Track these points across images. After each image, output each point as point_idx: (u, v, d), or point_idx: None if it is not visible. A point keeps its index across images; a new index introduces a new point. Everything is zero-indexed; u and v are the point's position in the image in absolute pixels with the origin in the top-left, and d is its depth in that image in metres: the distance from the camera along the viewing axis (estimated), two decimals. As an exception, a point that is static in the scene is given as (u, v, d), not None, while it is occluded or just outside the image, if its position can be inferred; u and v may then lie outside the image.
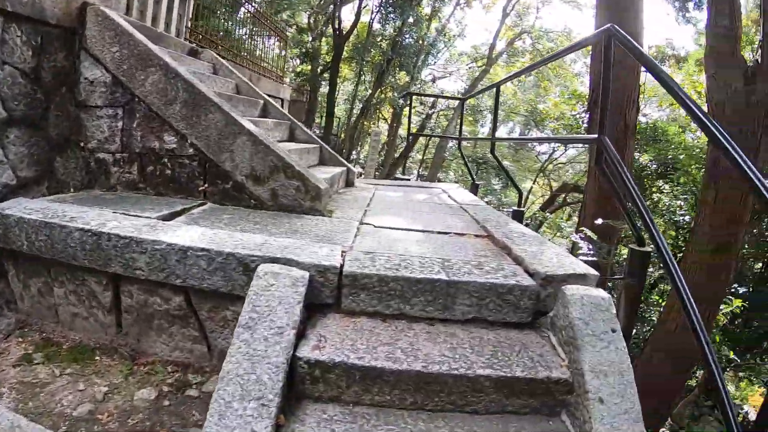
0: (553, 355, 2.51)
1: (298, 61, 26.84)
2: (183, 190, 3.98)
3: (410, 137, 8.53)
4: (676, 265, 2.42)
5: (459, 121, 8.81)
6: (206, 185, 3.99)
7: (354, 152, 23.59)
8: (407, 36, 21.96)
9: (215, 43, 8.82)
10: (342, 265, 2.65)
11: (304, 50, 25.81)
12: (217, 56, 6.79)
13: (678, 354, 7.50)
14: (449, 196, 6.26)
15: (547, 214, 19.34)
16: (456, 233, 3.94)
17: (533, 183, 25.00)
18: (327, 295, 2.64)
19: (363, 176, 15.23)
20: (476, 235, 3.91)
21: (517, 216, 5.88)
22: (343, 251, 2.88)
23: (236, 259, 2.64)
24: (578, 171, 23.93)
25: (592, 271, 2.82)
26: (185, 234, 2.87)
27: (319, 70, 25.22)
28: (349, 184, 6.22)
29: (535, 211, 20.51)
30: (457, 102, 21.93)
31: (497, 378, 2.30)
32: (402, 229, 3.89)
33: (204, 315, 2.81)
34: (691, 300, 2.25)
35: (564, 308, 2.58)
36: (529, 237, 3.70)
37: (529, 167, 30.79)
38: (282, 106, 11.66)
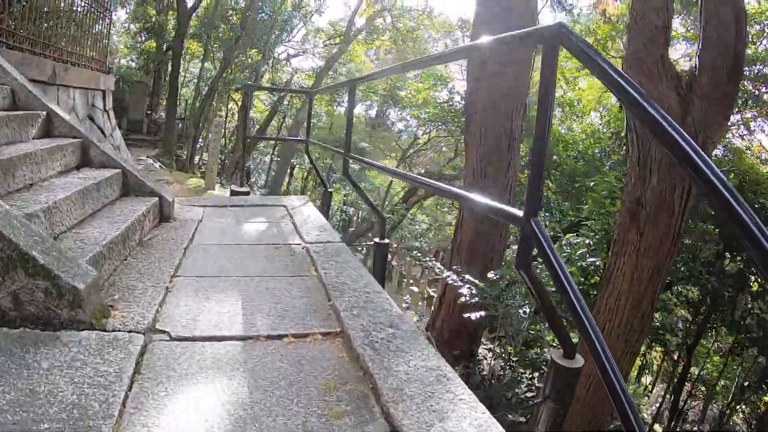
0: None
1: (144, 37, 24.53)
2: None
3: (246, 142, 7.06)
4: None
5: (307, 119, 7.63)
6: None
7: (201, 139, 21.70)
8: (260, 11, 20.28)
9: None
10: None
11: (148, 25, 23.53)
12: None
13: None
14: (294, 225, 5.17)
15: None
16: (294, 335, 2.77)
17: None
18: None
19: (205, 171, 13.69)
20: (324, 334, 2.80)
21: (381, 252, 4.86)
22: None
23: None
24: (439, 151, 23.30)
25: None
26: None
27: (165, 47, 23.06)
28: (164, 218, 4.92)
29: (396, 203, 19.73)
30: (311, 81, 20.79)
31: None
32: (213, 340, 2.69)
33: None
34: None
35: None
36: (403, 338, 2.64)
37: (387, 147, 30.21)
38: (104, 99, 9.94)
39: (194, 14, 20.91)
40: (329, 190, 6.92)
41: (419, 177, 3.21)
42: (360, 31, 25.12)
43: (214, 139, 13.47)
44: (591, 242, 6.82)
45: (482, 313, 6.06)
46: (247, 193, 6.93)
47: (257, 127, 25.98)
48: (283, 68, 25.48)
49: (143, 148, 21.54)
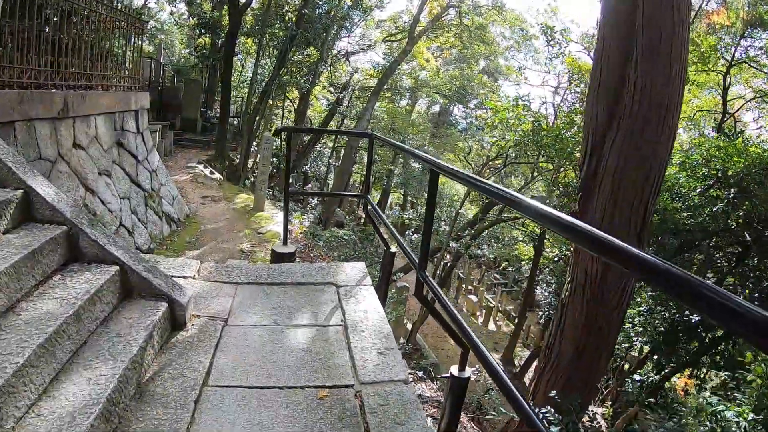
0: None
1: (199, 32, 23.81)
2: None
3: (288, 200, 5.54)
4: None
5: (367, 168, 6.28)
6: None
7: (254, 143, 20.59)
8: (317, 8, 18.95)
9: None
10: None
11: (203, 21, 22.71)
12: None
13: None
14: (345, 334, 3.88)
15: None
16: None
17: (462, 205, 21.68)
18: None
19: (256, 185, 12.51)
20: None
21: (458, 388, 3.46)
22: None
23: None
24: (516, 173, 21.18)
25: None
26: None
27: (219, 44, 22.17)
28: (176, 325, 3.72)
29: (463, 228, 17.93)
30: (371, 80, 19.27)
31: None
32: None
33: None
34: None
35: None
36: None
37: (451, 146, 28.66)
38: (137, 120, 8.84)
39: (249, 10, 19.79)
40: (391, 250, 5.60)
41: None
42: (425, 30, 23.43)
43: (263, 157, 12.19)
44: (755, 417, 4.80)
45: None
46: (292, 256, 5.66)
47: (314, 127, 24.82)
48: (342, 67, 24.15)
49: (196, 150, 20.73)
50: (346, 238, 12.68)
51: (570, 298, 5.86)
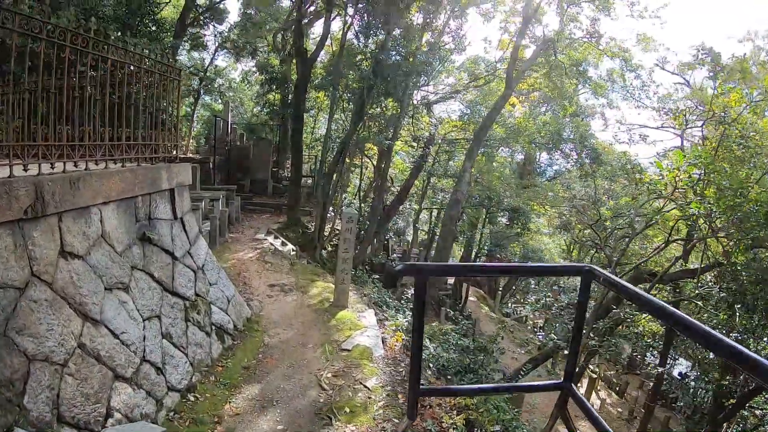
0: None
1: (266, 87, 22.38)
2: None
3: (417, 407, 2.90)
4: None
5: (574, 333, 3.30)
6: None
7: (331, 209, 18.33)
8: (393, 53, 16.64)
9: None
10: None
11: (270, 76, 21.18)
12: None
13: None
14: None
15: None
16: None
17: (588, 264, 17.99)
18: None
19: (337, 274, 9.96)
20: None
21: None
22: None
23: None
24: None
25: None
26: None
27: (289, 99, 20.47)
28: None
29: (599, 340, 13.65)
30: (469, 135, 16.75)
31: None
32: None
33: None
34: None
35: None
36: None
37: (542, 199, 25.73)
38: (173, 202, 6.54)
39: (319, 62, 17.89)
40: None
41: None
42: (524, 70, 20.60)
43: (345, 239, 9.39)
44: None
45: None
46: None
47: (396, 187, 22.67)
48: (423, 118, 21.75)
49: (266, 215, 19.00)
50: (457, 354, 9.68)
51: None
